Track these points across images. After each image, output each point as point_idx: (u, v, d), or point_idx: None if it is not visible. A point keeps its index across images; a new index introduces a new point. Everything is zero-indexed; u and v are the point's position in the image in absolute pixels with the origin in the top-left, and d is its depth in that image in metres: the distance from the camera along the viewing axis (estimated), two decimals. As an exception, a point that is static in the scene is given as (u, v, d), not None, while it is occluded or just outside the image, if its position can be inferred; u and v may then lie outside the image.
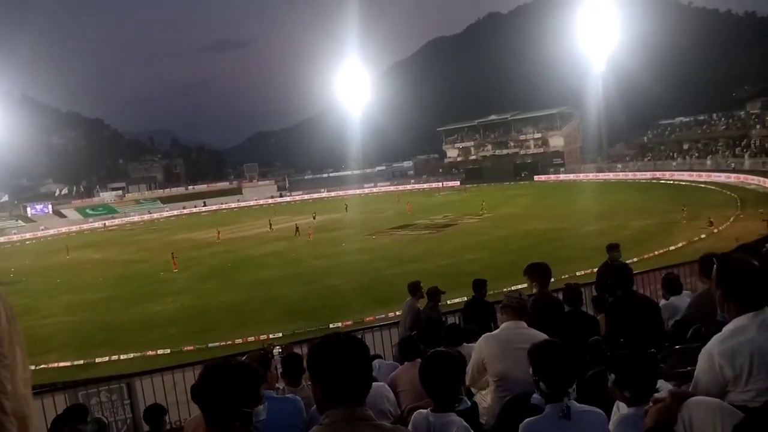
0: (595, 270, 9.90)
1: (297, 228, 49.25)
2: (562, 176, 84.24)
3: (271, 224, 55.60)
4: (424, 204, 65.67)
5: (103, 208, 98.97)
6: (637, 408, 2.59)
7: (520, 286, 4.94)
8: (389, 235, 44.12)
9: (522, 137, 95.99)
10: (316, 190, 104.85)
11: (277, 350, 5.23)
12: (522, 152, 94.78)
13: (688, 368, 2.98)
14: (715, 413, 2.17)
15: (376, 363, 5.89)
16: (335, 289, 28.13)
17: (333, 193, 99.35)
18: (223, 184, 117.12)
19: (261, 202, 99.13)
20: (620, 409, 2.79)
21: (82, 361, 20.68)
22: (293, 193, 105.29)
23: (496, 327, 4.34)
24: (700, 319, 4.64)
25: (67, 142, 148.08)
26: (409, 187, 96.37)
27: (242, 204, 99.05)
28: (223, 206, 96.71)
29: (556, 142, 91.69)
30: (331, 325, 20.82)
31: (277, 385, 4.22)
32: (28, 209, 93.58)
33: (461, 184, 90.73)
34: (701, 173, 64.19)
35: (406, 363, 5.11)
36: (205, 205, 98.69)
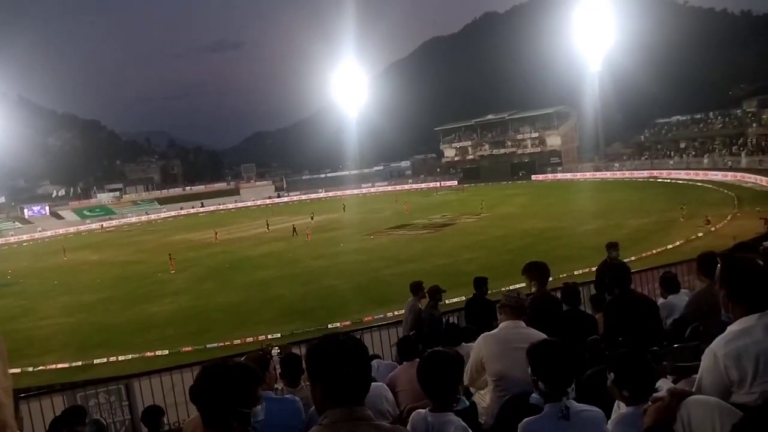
0: (593, 269, 9.93)
1: (294, 228, 49.23)
2: (559, 175, 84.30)
3: (268, 225, 55.56)
4: (422, 204, 65.68)
5: (100, 210, 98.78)
6: (636, 407, 2.59)
7: (518, 286, 4.94)
8: (387, 235, 44.12)
9: (519, 137, 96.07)
10: (314, 191, 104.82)
11: (275, 351, 5.24)
12: (519, 152, 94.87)
13: (688, 364, 2.99)
14: (713, 412, 2.17)
15: (374, 363, 5.88)
16: (333, 289, 28.12)
17: (331, 194, 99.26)
18: (220, 185, 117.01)
19: (258, 202, 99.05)
20: (621, 408, 2.79)
21: (80, 363, 20.66)
22: (291, 194, 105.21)
23: (497, 325, 4.34)
24: (699, 318, 4.65)
25: (63, 144, 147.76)
26: (406, 186, 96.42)
27: (240, 204, 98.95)
28: (221, 207, 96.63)
29: (553, 141, 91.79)
30: (329, 326, 20.84)
31: (275, 385, 4.21)
32: (25, 211, 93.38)
33: (459, 183, 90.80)
34: (698, 172, 64.31)
35: (404, 363, 5.11)
36: (202, 206, 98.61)
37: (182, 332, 23.28)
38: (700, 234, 31.03)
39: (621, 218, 39.16)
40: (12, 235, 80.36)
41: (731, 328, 2.51)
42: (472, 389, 4.25)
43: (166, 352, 20.50)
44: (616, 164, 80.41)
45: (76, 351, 22.33)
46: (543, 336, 3.67)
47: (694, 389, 2.51)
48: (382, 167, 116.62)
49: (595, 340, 5.02)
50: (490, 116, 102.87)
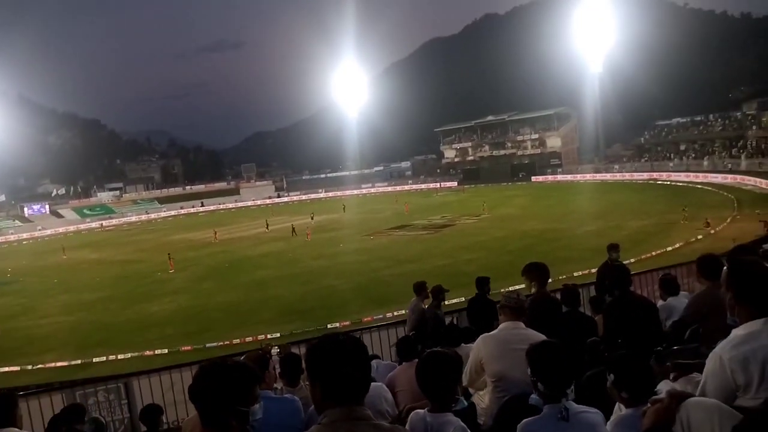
0: (593, 270, 9.93)
1: (293, 228, 49.23)
2: (559, 177, 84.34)
3: (267, 224, 55.55)
4: (422, 204, 65.71)
5: (100, 209, 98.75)
6: (635, 409, 2.59)
7: (518, 287, 4.94)
8: (387, 236, 44.14)
9: (519, 138, 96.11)
10: (314, 191, 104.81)
11: (275, 350, 5.24)
12: (519, 153, 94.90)
13: (688, 361, 2.98)
14: (713, 414, 2.17)
15: (374, 363, 5.88)
16: (333, 289, 28.13)
17: (331, 194, 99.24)
18: (220, 185, 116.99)
19: (258, 202, 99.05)
20: (621, 410, 2.79)
21: (79, 361, 20.67)
22: (291, 194, 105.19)
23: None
24: (698, 320, 4.63)
25: (64, 143, 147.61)
26: (406, 187, 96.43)
27: (240, 204, 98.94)
28: (221, 206, 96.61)
29: (553, 142, 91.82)
30: (329, 326, 20.84)
31: (275, 385, 4.21)
32: (25, 209, 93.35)
33: (459, 184, 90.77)
34: (698, 174, 64.30)
35: (404, 363, 5.11)
36: (202, 206, 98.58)
37: (182, 331, 23.30)
38: (699, 236, 31.05)
39: (620, 220, 39.19)
40: (12, 234, 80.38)
41: (737, 332, 2.48)
42: (471, 390, 4.25)
43: (166, 351, 20.51)
44: (616, 166, 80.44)
45: (76, 349, 22.33)
46: (542, 337, 3.67)
47: (697, 393, 2.50)
48: (382, 168, 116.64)
49: (595, 341, 5.02)
50: (490, 117, 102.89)
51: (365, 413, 1.97)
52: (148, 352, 20.62)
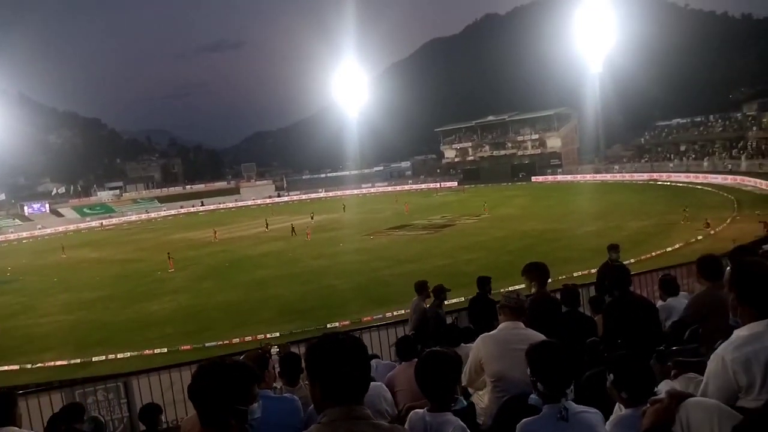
0: (593, 271, 9.93)
1: (293, 228, 49.23)
2: (559, 177, 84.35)
3: (267, 224, 55.55)
4: (422, 204, 65.69)
5: (100, 208, 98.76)
6: (635, 409, 2.58)
7: (518, 287, 4.94)
8: (387, 236, 44.12)
9: (519, 138, 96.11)
10: (314, 190, 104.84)
11: (274, 350, 5.23)
12: (519, 153, 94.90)
13: (688, 359, 2.98)
14: (712, 414, 2.17)
15: (373, 363, 5.89)
16: (333, 289, 28.12)
17: (331, 194, 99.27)
18: (220, 184, 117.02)
19: (259, 202, 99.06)
20: (621, 410, 2.78)
21: (78, 360, 20.65)
22: (291, 193, 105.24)
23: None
24: (698, 321, 4.64)
25: (64, 142, 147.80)
26: (406, 187, 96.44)
27: (240, 204, 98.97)
28: (221, 206, 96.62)
29: (554, 143, 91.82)
30: (328, 325, 20.81)
31: (274, 384, 4.21)
32: (25, 208, 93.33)
33: (459, 184, 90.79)
34: (698, 175, 64.29)
35: (403, 363, 5.12)
36: (202, 205, 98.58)
37: (181, 331, 23.28)
38: (699, 237, 31.04)
39: (620, 220, 39.18)
40: (12, 233, 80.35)
41: (739, 333, 2.48)
42: (470, 390, 4.25)
43: (165, 350, 20.49)
44: (616, 166, 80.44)
45: (75, 348, 22.31)
46: (542, 337, 3.67)
47: (699, 393, 2.50)
48: (382, 168, 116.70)
49: (595, 341, 5.02)
50: (490, 117, 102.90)
51: (365, 412, 1.97)
52: (147, 352, 20.59)
